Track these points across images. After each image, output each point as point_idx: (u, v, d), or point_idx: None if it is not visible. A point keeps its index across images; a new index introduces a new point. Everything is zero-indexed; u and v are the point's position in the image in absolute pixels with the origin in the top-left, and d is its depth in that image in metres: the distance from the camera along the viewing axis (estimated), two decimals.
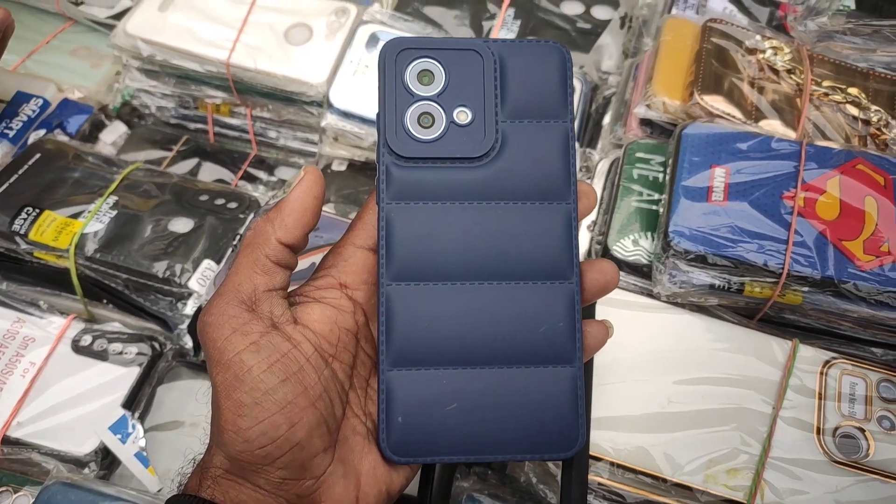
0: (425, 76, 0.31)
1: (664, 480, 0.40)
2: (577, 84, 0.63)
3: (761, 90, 0.51)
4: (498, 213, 0.31)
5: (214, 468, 0.29)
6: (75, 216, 0.57)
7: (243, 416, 0.28)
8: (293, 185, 0.32)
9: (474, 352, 0.31)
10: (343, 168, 0.67)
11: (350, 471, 0.30)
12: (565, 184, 0.31)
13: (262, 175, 0.71)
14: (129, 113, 0.74)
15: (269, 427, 0.28)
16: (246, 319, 0.29)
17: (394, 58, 0.31)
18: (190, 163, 0.71)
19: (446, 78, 0.31)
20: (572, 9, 0.68)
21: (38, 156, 0.61)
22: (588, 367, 0.42)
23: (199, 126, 0.73)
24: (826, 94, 0.52)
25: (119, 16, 0.74)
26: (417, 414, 0.30)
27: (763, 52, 0.53)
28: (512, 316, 0.31)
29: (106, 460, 0.51)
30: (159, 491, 0.49)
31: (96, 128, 0.72)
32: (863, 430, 0.42)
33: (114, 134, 0.72)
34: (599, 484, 0.41)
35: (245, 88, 0.67)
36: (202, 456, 0.31)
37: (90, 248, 0.56)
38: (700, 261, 0.44)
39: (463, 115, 0.31)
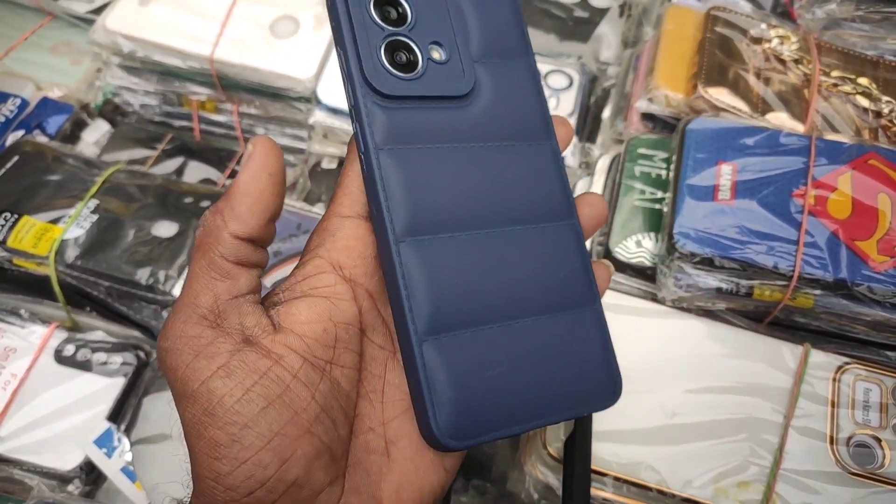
0: (391, 10, 0.28)
1: (672, 495, 0.39)
2: (574, 75, 0.60)
3: (767, 81, 0.49)
4: (492, 156, 0.29)
5: None
6: (55, 221, 0.55)
7: (220, 458, 0.23)
8: (243, 163, 0.26)
9: (505, 305, 0.28)
10: (333, 166, 0.65)
11: (367, 500, 0.26)
12: (545, 122, 0.30)
13: None
14: (112, 111, 0.72)
15: (255, 468, 0.23)
16: (210, 338, 0.24)
17: None
18: (175, 161, 0.69)
19: (413, 12, 0.28)
20: None
21: (16, 158, 0.59)
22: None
23: (185, 123, 0.71)
24: (835, 85, 0.50)
25: (100, 10, 0.71)
26: (465, 386, 0.26)
27: (769, 41, 0.51)
28: (530, 262, 0.29)
29: (91, 475, 0.49)
30: None
31: (78, 127, 0.69)
32: (878, 439, 0.40)
33: (96, 133, 0.70)
34: (604, 499, 0.39)
35: (230, 84, 0.64)
36: None
37: (71, 254, 0.53)
38: (707, 263, 0.42)
39: (437, 53, 0.29)
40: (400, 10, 0.28)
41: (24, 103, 0.67)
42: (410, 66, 0.28)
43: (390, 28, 0.28)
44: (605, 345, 0.29)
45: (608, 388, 0.29)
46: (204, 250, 0.25)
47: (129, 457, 0.49)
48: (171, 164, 0.68)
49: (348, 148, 0.29)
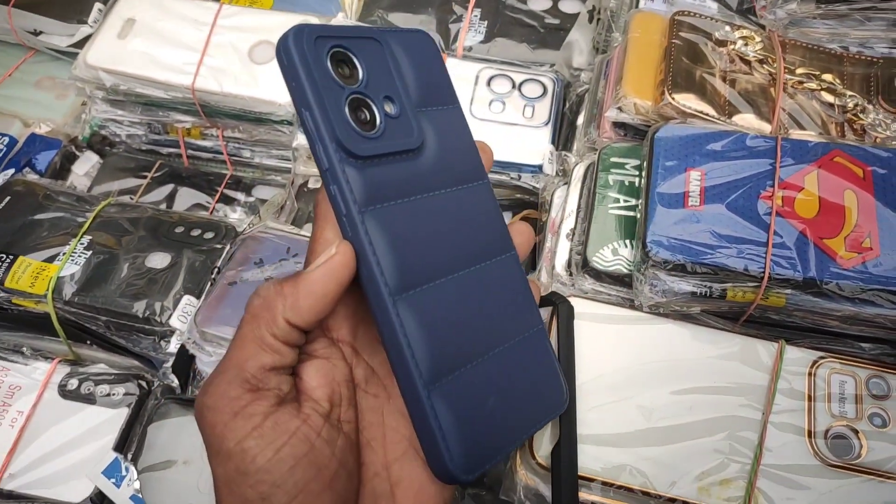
0: (345, 66, 0.29)
1: (657, 496, 0.40)
2: (548, 84, 0.62)
3: (733, 83, 0.50)
4: (451, 201, 0.31)
5: None
6: (50, 259, 0.57)
7: None
8: (320, 260, 0.27)
9: (485, 339, 0.30)
10: (319, 186, 0.66)
11: None
12: (478, 162, 0.33)
13: (239, 196, 0.70)
14: (100, 142, 0.73)
15: None
16: (248, 400, 0.26)
17: (312, 45, 0.27)
18: (166, 189, 0.70)
19: (363, 67, 0.29)
20: (539, 4, 0.66)
21: (7, 199, 0.61)
22: (570, 383, 0.42)
23: (172, 150, 0.72)
24: (800, 83, 0.51)
25: (81, 43, 0.72)
26: (470, 421, 0.28)
27: (733, 43, 0.52)
28: (496, 296, 0.31)
29: None
30: None
31: (68, 160, 0.71)
32: (855, 430, 0.41)
33: (86, 165, 0.71)
34: (592, 503, 0.41)
35: (213, 111, 0.66)
36: None
37: (68, 291, 0.55)
38: (680, 269, 0.43)
39: (389, 107, 0.30)
40: (353, 66, 0.29)
41: (13, 141, 0.68)
42: (372, 123, 0.29)
43: (349, 86, 0.28)
44: (552, 359, 0.33)
45: (561, 395, 0.34)
46: (258, 323, 0.27)
47: (137, 485, 0.50)
48: (162, 192, 0.70)
49: (317, 207, 0.30)
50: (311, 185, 0.66)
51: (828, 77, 0.51)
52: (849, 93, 0.50)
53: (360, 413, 0.30)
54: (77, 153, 0.72)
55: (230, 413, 0.26)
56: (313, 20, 0.67)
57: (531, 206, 0.60)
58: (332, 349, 0.29)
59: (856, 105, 0.50)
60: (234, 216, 0.63)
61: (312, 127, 0.27)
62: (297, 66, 0.27)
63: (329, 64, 0.28)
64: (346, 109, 0.28)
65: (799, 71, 0.51)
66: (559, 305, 0.43)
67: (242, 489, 0.25)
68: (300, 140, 0.63)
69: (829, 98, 0.51)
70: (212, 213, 0.67)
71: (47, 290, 0.55)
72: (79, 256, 0.57)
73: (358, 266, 0.28)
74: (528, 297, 0.33)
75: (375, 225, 0.28)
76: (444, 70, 0.33)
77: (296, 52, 0.27)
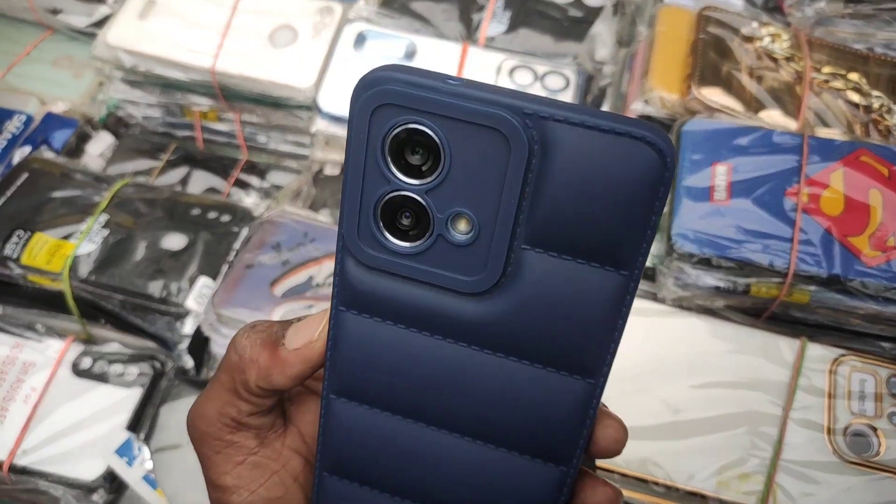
0: (415, 153, 0.21)
1: (676, 489, 0.40)
2: (571, 76, 0.61)
3: (760, 79, 0.50)
4: (478, 363, 0.22)
5: None
6: (67, 237, 0.56)
7: None
8: (300, 342, 0.26)
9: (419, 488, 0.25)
10: (336, 172, 0.66)
11: None
12: (598, 353, 0.22)
13: (253, 181, 0.70)
14: (116, 123, 0.73)
15: None
16: (230, 441, 0.27)
17: (369, 113, 0.20)
18: (180, 171, 0.70)
19: (446, 159, 0.20)
20: None
21: (25, 176, 0.60)
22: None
23: (187, 133, 0.72)
24: (826, 81, 0.51)
25: (99, 24, 0.72)
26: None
27: (761, 39, 0.52)
28: (483, 477, 0.24)
29: (114, 484, 0.50)
30: None
31: (82, 140, 0.70)
32: (874, 428, 0.41)
33: (101, 145, 0.71)
34: None
35: (232, 94, 0.65)
36: None
37: (84, 269, 0.55)
38: (705, 263, 0.43)
39: (462, 225, 0.21)
40: (429, 153, 0.20)
41: (30, 119, 0.68)
42: (413, 236, 0.21)
43: (401, 180, 0.21)
44: None
45: None
46: (233, 379, 0.27)
47: (149, 465, 0.50)
48: (177, 175, 0.70)
49: None
50: (327, 171, 0.66)
51: (854, 76, 0.51)
52: (874, 93, 0.50)
53: None
54: (92, 133, 0.71)
55: (214, 450, 0.27)
56: (335, 5, 0.66)
57: None
58: None
59: (881, 105, 0.50)
60: (249, 200, 0.63)
61: (341, 201, 0.22)
62: (348, 128, 0.21)
63: (387, 143, 0.20)
64: (380, 205, 0.21)
65: (825, 70, 0.51)
66: None
67: None
68: (318, 125, 0.63)
69: (854, 97, 0.50)
70: (226, 196, 0.67)
71: (63, 267, 0.55)
72: (95, 235, 0.56)
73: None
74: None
75: (343, 328, 0.24)
76: (644, 213, 0.20)
77: (350, 111, 0.21)
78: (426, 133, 0.20)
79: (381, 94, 0.20)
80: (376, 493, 0.26)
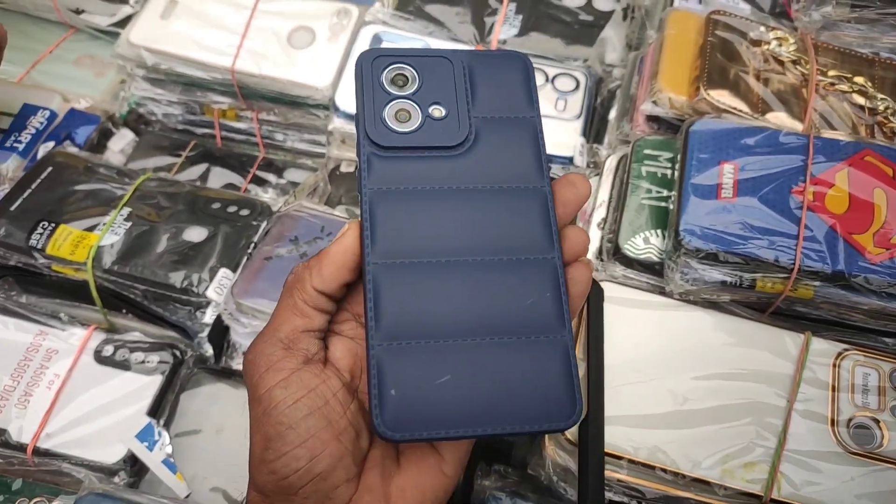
0: (400, 79, 0.34)
1: (682, 476, 0.41)
2: (581, 78, 0.63)
3: (767, 82, 0.52)
4: (477, 196, 0.32)
5: (251, 501, 0.31)
6: (90, 229, 0.58)
7: (268, 448, 0.30)
8: (336, 238, 0.33)
9: (464, 323, 0.31)
10: (352, 170, 0.68)
11: (377, 497, 0.31)
12: (538, 168, 0.34)
13: (271, 178, 0.72)
14: (136, 120, 0.74)
15: (291, 459, 0.29)
16: (280, 357, 0.31)
17: (370, 63, 0.34)
18: (199, 168, 0.72)
19: (420, 80, 0.34)
20: (574, 1, 0.68)
21: (49, 169, 0.62)
22: (599, 363, 0.43)
23: (206, 131, 0.73)
24: (832, 84, 0.52)
25: (121, 23, 0.74)
26: (410, 387, 0.29)
27: (768, 43, 0.53)
28: (499, 289, 0.32)
29: (134, 468, 0.52)
30: (188, 496, 0.51)
31: (104, 136, 0.72)
32: (877, 421, 0.43)
33: (122, 142, 0.73)
34: (619, 480, 0.42)
35: (251, 93, 0.67)
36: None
37: (107, 260, 0.56)
38: (711, 258, 0.44)
39: (437, 111, 0.33)
40: (407, 79, 0.34)
41: (53, 115, 0.70)
42: (409, 123, 0.33)
43: (395, 93, 0.34)
44: (567, 370, 0.31)
45: (567, 409, 0.30)
46: (291, 293, 0.32)
47: (169, 449, 0.51)
48: (196, 171, 0.71)
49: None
50: (342, 168, 0.68)
51: (859, 80, 0.52)
52: (880, 95, 0.51)
53: None
54: (113, 130, 0.73)
55: (265, 366, 0.31)
56: (352, 8, 0.68)
57: None
58: (358, 331, 0.34)
59: (886, 108, 0.51)
60: (266, 196, 0.64)
61: (356, 126, 0.33)
62: (355, 81, 0.34)
63: (382, 77, 0.34)
64: (385, 110, 0.33)
65: (831, 73, 0.53)
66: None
67: (265, 427, 0.30)
68: (335, 124, 0.64)
69: (859, 100, 0.52)
70: (244, 192, 0.69)
71: (87, 258, 0.56)
72: (118, 227, 0.58)
73: (360, 236, 0.32)
74: (557, 303, 0.32)
75: (377, 200, 0.32)
76: (527, 84, 0.35)
77: (356, 69, 0.34)
78: (405, 67, 0.34)
79: (376, 52, 0.34)
80: (426, 342, 0.30)
